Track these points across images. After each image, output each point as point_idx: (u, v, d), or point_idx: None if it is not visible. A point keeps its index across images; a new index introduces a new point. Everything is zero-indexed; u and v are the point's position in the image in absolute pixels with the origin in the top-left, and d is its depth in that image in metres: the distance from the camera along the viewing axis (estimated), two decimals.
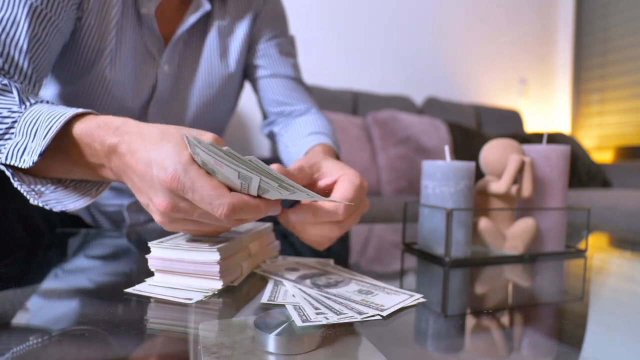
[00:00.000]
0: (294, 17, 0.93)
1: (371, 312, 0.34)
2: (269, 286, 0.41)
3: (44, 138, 0.42)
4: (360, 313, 0.33)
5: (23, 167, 0.43)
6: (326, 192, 0.47)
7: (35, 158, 0.42)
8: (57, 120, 0.42)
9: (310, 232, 0.44)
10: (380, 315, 0.34)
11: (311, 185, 0.47)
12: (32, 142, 0.43)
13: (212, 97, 0.77)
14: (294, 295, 0.37)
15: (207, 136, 0.39)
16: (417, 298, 0.38)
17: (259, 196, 0.37)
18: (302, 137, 0.74)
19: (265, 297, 0.37)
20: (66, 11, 0.58)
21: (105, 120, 0.42)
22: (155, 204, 0.37)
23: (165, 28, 0.70)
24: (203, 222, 0.38)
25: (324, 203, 0.42)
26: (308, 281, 0.42)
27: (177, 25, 0.71)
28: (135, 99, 0.70)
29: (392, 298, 0.38)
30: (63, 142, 0.43)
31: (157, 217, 0.38)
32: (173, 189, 0.35)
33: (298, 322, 0.30)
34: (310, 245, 0.47)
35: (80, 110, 0.43)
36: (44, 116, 0.43)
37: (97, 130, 0.41)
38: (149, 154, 0.37)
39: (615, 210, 1.62)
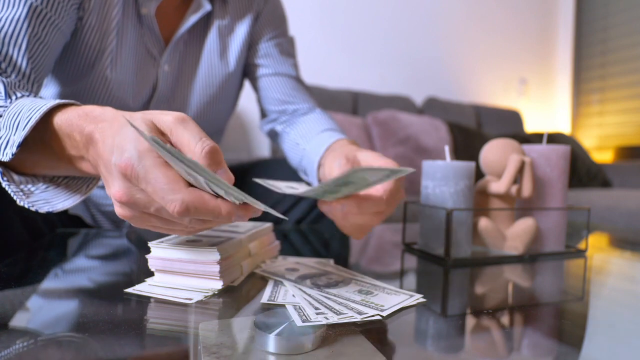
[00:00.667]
0: (294, 17, 0.93)
1: (371, 312, 0.34)
2: (269, 286, 0.41)
3: (23, 129, 0.40)
4: (360, 313, 0.33)
5: (5, 160, 0.42)
6: None
7: (14, 150, 0.41)
8: (37, 111, 0.40)
9: (351, 221, 0.44)
10: (380, 315, 0.34)
11: None
12: (14, 135, 0.42)
13: (212, 96, 0.77)
14: (294, 295, 0.37)
15: (168, 117, 0.34)
16: (417, 298, 0.38)
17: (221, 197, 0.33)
18: (315, 134, 0.72)
19: (265, 297, 0.37)
20: (66, 11, 0.58)
21: (85, 110, 0.40)
22: (112, 193, 0.33)
23: (166, 28, 0.70)
24: (166, 219, 0.34)
25: (369, 191, 0.42)
26: (308, 281, 0.42)
27: (177, 25, 0.71)
28: (136, 98, 0.70)
29: (392, 298, 0.38)
30: (45, 134, 0.42)
31: (117, 210, 0.35)
32: (127, 176, 0.32)
33: (298, 322, 0.30)
34: (348, 235, 0.47)
35: (62, 101, 0.42)
36: (26, 108, 0.42)
37: (76, 119, 0.39)
38: (113, 140, 0.34)
39: (615, 210, 1.62)
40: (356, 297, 0.37)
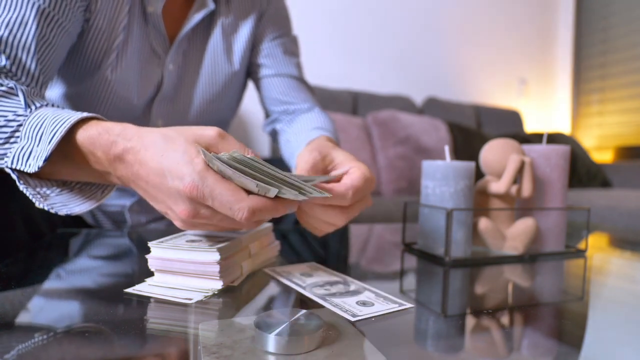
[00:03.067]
0: (295, 17, 0.93)
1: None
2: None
3: (49, 143, 0.42)
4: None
5: (29, 171, 0.43)
6: (337, 181, 0.48)
7: (41, 163, 0.42)
8: (61, 125, 0.42)
9: (315, 216, 0.45)
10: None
11: (323, 175, 0.49)
12: (38, 146, 0.43)
13: (215, 95, 0.77)
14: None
15: (210, 132, 0.39)
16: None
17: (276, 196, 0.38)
18: (304, 132, 0.74)
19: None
20: (73, 13, 0.58)
21: (105, 127, 0.42)
22: (177, 212, 0.37)
23: (170, 27, 0.71)
24: (225, 225, 0.39)
25: (334, 186, 0.44)
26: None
27: (182, 23, 0.71)
28: (140, 97, 0.70)
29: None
30: (67, 147, 0.43)
31: (178, 223, 0.39)
32: (193, 197, 0.35)
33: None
34: (310, 231, 0.48)
35: (84, 114, 0.43)
36: (49, 120, 0.43)
37: (97, 137, 0.41)
38: (160, 165, 0.37)
39: (615, 210, 1.62)
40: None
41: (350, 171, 0.47)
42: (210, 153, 0.36)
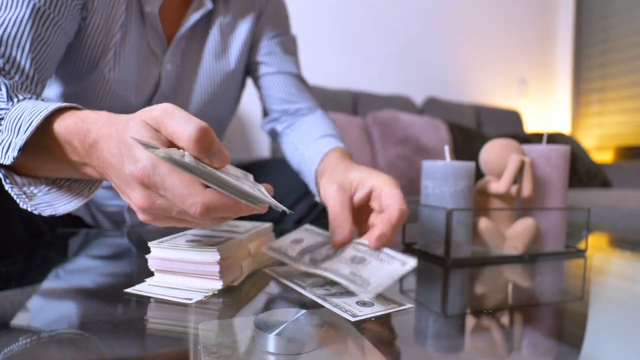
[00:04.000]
0: (295, 16, 0.93)
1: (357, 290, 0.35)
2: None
3: (24, 133, 0.41)
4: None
5: (6, 163, 0.42)
6: (366, 202, 0.50)
7: (15, 153, 0.41)
8: (37, 115, 0.41)
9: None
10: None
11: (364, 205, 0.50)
12: (16, 138, 0.42)
13: (214, 94, 0.77)
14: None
15: (154, 112, 0.35)
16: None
17: None
18: (313, 139, 0.73)
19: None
20: (70, 12, 0.58)
21: (81, 115, 0.40)
22: (133, 201, 0.34)
23: (168, 26, 0.71)
24: (189, 220, 0.35)
25: (373, 230, 0.44)
26: (307, 257, 0.43)
27: (179, 23, 0.71)
28: (138, 97, 0.70)
29: (381, 272, 0.38)
30: (45, 138, 0.42)
31: (139, 215, 0.36)
32: (145, 184, 0.33)
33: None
34: None
35: (61, 104, 0.42)
36: (27, 112, 0.42)
37: (73, 126, 0.40)
38: (119, 149, 0.34)
39: (615, 210, 1.62)
40: (345, 271, 0.38)
41: (388, 211, 0.45)
42: (151, 146, 0.31)
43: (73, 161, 0.42)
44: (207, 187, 0.32)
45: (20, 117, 0.42)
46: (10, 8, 0.52)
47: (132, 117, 0.35)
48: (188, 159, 0.32)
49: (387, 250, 0.41)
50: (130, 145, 0.33)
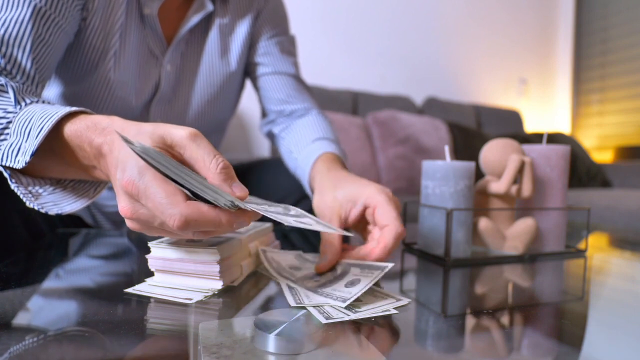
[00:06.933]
0: (295, 16, 0.94)
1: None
2: (285, 290, 0.40)
3: (36, 138, 0.41)
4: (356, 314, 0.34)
5: (17, 167, 0.43)
6: (362, 218, 0.50)
7: (28, 158, 0.41)
8: (48, 120, 0.41)
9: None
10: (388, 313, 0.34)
11: (360, 221, 0.51)
12: (26, 142, 0.42)
13: (213, 95, 0.77)
14: (308, 297, 0.38)
15: (180, 132, 0.35)
16: (404, 303, 0.37)
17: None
18: (307, 144, 0.73)
19: (291, 302, 0.36)
20: (70, 12, 0.58)
21: (93, 120, 0.40)
22: (119, 208, 0.35)
23: (168, 28, 0.71)
24: (171, 232, 0.35)
25: (372, 251, 0.46)
26: (312, 282, 0.42)
27: (179, 24, 0.71)
28: (138, 98, 0.70)
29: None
30: (55, 143, 0.42)
31: (127, 222, 0.36)
32: (129, 193, 0.33)
33: (323, 321, 0.32)
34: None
35: (72, 109, 0.42)
36: (37, 116, 0.42)
37: (85, 131, 0.40)
38: (118, 155, 0.35)
39: (615, 210, 1.62)
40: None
41: (385, 233, 0.46)
42: (139, 145, 0.32)
43: (83, 165, 0.43)
44: (189, 199, 0.32)
45: (30, 121, 0.43)
46: (11, 8, 0.52)
47: (151, 128, 0.36)
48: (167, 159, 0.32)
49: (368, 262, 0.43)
50: (125, 158, 0.34)
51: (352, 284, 0.38)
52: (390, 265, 0.40)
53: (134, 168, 0.32)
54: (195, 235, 0.34)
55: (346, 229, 0.51)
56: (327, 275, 0.43)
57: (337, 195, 0.51)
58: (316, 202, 0.54)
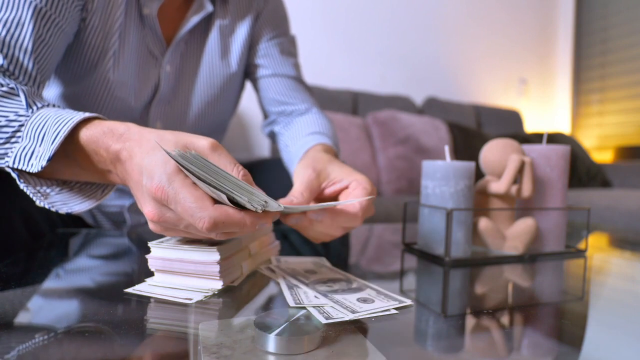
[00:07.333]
0: (294, 17, 0.94)
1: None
2: (285, 290, 0.40)
3: (52, 143, 0.42)
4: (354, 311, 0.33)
5: (31, 171, 0.43)
6: (335, 197, 0.50)
7: (44, 163, 0.42)
8: (64, 125, 0.42)
9: (317, 230, 0.46)
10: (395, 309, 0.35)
11: (321, 193, 0.50)
12: (40, 146, 0.43)
13: (213, 96, 0.77)
14: (316, 297, 0.37)
15: (203, 142, 0.38)
16: (405, 304, 0.37)
17: (244, 209, 0.35)
18: (301, 137, 0.74)
19: (290, 302, 0.36)
20: (70, 12, 0.58)
21: (109, 126, 0.42)
22: (145, 213, 0.37)
23: (167, 28, 0.70)
24: (195, 233, 0.37)
25: (346, 206, 0.45)
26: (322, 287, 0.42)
27: (179, 25, 0.71)
28: (138, 99, 0.70)
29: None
30: (69, 147, 0.43)
31: (150, 225, 0.38)
32: (158, 198, 0.35)
33: (323, 320, 0.32)
34: (309, 239, 0.49)
35: (86, 114, 0.43)
36: (51, 120, 0.43)
37: (102, 137, 0.41)
38: (142, 162, 0.37)
39: (615, 210, 1.62)
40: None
41: (351, 190, 0.47)
42: (177, 151, 0.34)
43: (98, 168, 0.44)
44: (217, 202, 0.34)
45: (43, 125, 0.43)
46: (11, 9, 0.53)
47: (173, 137, 0.38)
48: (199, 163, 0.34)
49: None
50: (151, 160, 0.36)
51: (364, 301, 0.37)
52: (409, 302, 0.37)
53: (163, 175, 0.34)
54: (218, 236, 0.36)
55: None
56: (341, 283, 0.42)
57: (328, 168, 0.51)
58: (301, 164, 0.53)
